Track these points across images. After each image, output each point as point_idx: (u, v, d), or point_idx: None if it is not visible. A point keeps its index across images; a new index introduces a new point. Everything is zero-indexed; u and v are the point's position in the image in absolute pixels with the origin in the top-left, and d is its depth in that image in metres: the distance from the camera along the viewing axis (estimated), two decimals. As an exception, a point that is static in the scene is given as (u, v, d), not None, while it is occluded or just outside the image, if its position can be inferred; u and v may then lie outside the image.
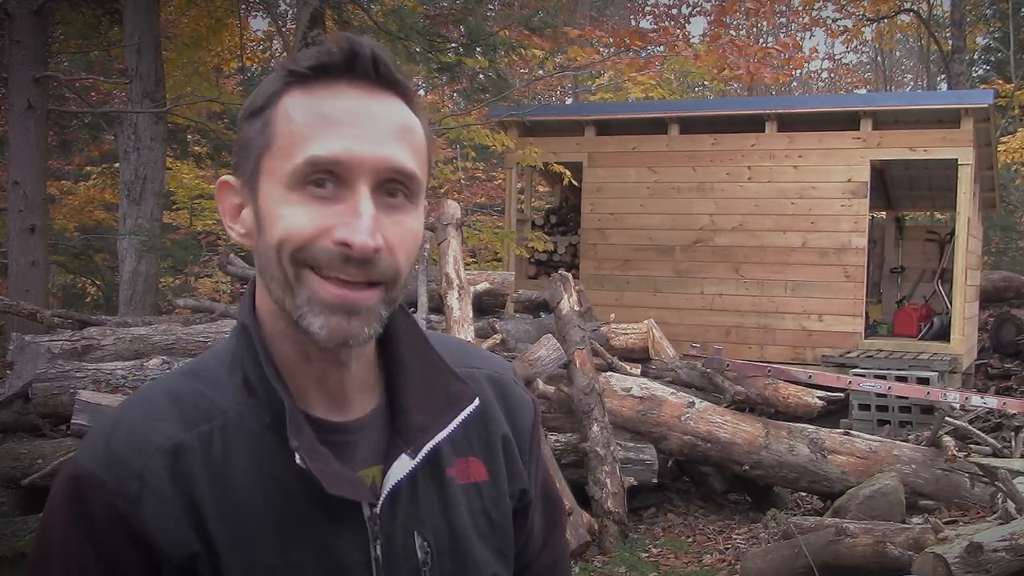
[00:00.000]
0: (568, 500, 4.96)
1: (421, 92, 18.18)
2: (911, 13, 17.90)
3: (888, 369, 8.34)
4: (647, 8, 22.62)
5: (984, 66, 19.93)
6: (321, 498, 0.88)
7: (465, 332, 5.70)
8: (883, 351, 9.08)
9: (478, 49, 9.38)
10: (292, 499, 0.89)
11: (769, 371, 7.04)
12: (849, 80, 28.30)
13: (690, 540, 5.51)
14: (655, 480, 5.78)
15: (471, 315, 5.90)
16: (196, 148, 12.44)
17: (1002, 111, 14.32)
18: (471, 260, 12.74)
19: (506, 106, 9.48)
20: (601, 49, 13.46)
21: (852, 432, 6.22)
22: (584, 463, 5.41)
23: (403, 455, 0.94)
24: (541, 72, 13.37)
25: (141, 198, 8.32)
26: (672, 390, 6.27)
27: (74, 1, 9.29)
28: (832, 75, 28.76)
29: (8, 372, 5.80)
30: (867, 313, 9.66)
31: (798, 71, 21.46)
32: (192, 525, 0.87)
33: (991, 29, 19.09)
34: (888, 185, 11.80)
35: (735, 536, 5.56)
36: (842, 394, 7.49)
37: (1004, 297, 12.67)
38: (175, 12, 11.27)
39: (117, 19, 9.38)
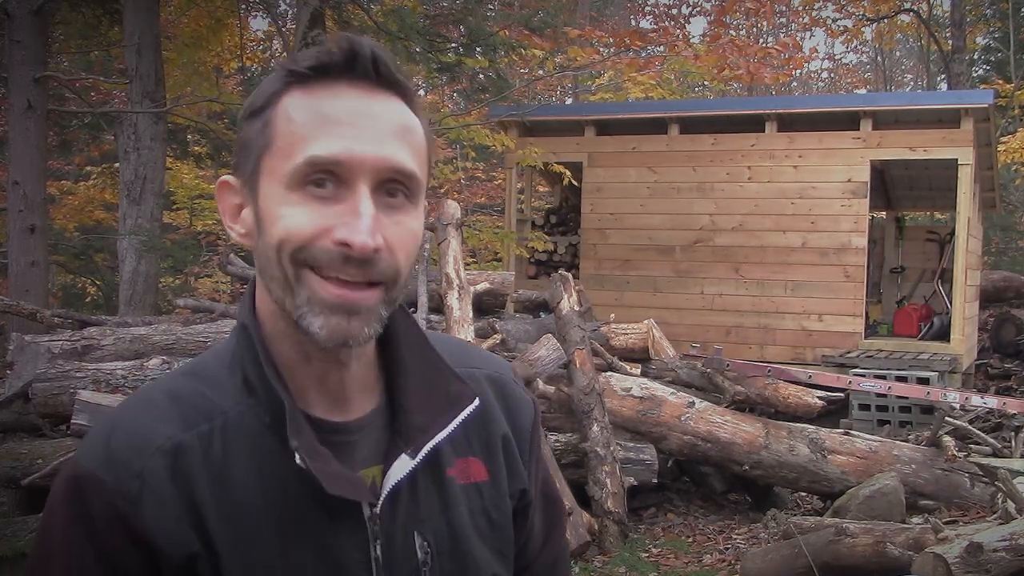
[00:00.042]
0: (568, 500, 4.96)
1: (421, 92, 18.18)
2: (911, 13, 17.90)
3: (888, 369, 8.34)
4: (647, 8, 22.63)
5: (984, 66, 19.94)
6: (321, 498, 0.88)
7: (465, 332, 5.70)
8: (883, 351, 9.08)
9: (478, 49, 9.38)
10: (292, 499, 0.89)
11: (769, 371, 7.04)
12: (849, 80, 28.31)
13: (690, 540, 5.51)
14: (655, 480, 5.78)
15: (471, 315, 5.90)
16: (196, 148, 12.44)
17: (1002, 111, 14.32)
18: (471, 260, 12.74)
19: (506, 106, 9.48)
20: (601, 49, 13.46)
21: (852, 432, 6.22)
22: (584, 463, 5.41)
23: (403, 455, 0.94)
24: (541, 72, 13.37)
25: (141, 198, 8.32)
26: (672, 390, 6.27)
27: (74, 1, 9.29)
28: (832, 75, 28.78)
29: (8, 372, 5.80)
30: (867, 313, 9.66)
31: (798, 71, 21.47)
32: (192, 525, 0.86)
33: (991, 29, 19.09)
34: (888, 185, 11.80)
35: (735, 536, 5.56)
36: (842, 394, 7.49)
37: (1004, 297, 12.67)
38: (175, 12, 11.27)
39: (117, 19, 9.38)
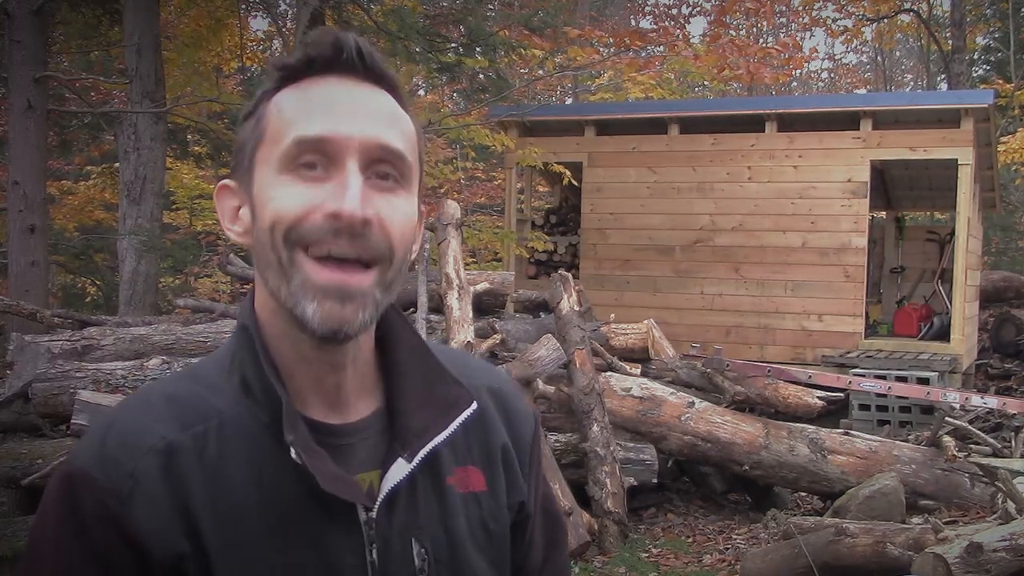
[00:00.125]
0: (568, 500, 4.96)
1: (421, 92, 18.20)
2: (911, 13, 17.90)
3: (888, 369, 8.34)
4: (647, 8, 22.63)
5: (984, 66, 19.93)
6: (317, 499, 0.88)
7: (465, 332, 5.70)
8: (883, 351, 9.08)
9: (478, 49, 9.39)
10: (288, 500, 0.89)
11: (769, 371, 7.04)
12: (849, 80, 28.31)
13: (690, 540, 5.51)
14: (655, 480, 5.78)
15: (471, 315, 5.90)
16: (196, 148, 12.44)
17: (1002, 111, 14.32)
18: (471, 260, 12.74)
19: (506, 106, 9.48)
20: (601, 49, 13.45)
21: (852, 432, 6.22)
22: (584, 463, 5.41)
23: (399, 459, 0.93)
24: (541, 72, 13.36)
25: (141, 198, 8.32)
26: (672, 390, 6.27)
27: (74, 1, 9.29)
28: (832, 75, 28.78)
29: (8, 372, 5.80)
30: (867, 313, 9.66)
31: (798, 71, 21.47)
32: (183, 526, 0.86)
33: (991, 29, 19.09)
34: (888, 185, 11.80)
35: (735, 536, 5.56)
36: (842, 394, 7.49)
37: (1004, 297, 12.67)
38: (175, 12, 11.27)
39: (117, 19, 9.38)
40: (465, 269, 6.22)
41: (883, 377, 7.80)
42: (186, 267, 10.82)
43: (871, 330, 10.16)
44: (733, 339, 9.27)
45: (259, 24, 22.78)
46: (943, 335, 9.59)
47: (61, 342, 5.75)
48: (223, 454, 0.89)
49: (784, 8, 18.46)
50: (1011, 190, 16.65)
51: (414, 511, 0.95)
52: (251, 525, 0.88)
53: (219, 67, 14.16)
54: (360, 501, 0.91)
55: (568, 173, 9.68)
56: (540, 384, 5.58)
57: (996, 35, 18.85)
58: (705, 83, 17.74)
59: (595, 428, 5.44)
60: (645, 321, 7.13)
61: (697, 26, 33.01)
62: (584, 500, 5.29)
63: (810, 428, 5.98)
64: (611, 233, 9.93)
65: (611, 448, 5.40)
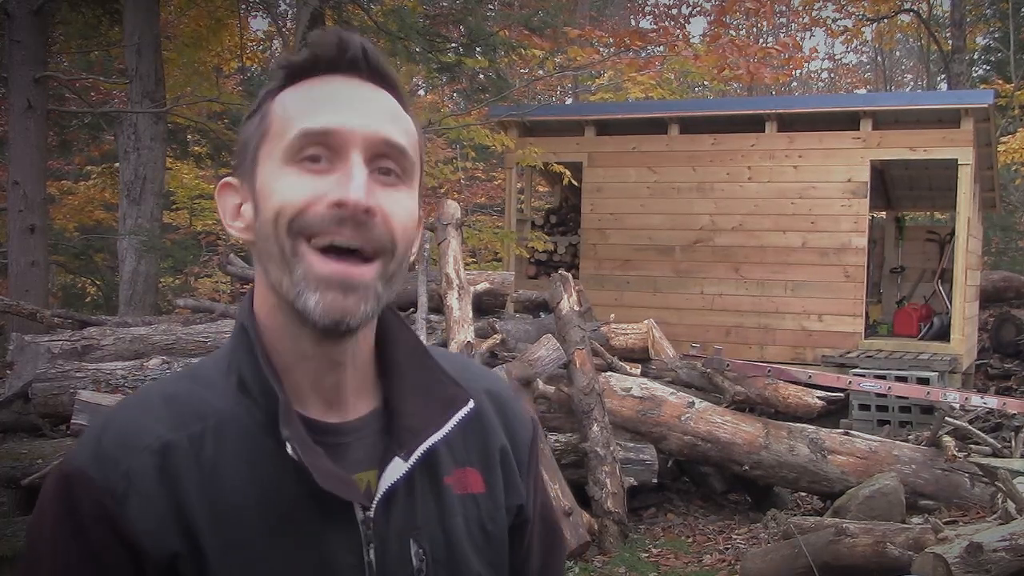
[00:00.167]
0: (568, 500, 4.96)
1: (421, 92, 18.20)
2: (911, 13, 17.90)
3: (888, 369, 8.34)
4: (647, 8, 22.63)
5: (984, 66, 19.93)
6: (315, 499, 0.88)
7: (465, 332, 5.70)
8: (883, 351, 9.08)
9: (478, 49, 9.39)
10: (286, 499, 0.89)
11: (769, 371, 7.04)
12: (849, 80, 28.30)
13: (690, 540, 5.51)
14: (655, 480, 5.78)
15: (471, 315, 5.90)
16: (196, 148, 12.44)
17: (1002, 111, 14.32)
18: (471, 260, 12.74)
19: (506, 106, 9.48)
20: (601, 49, 13.45)
21: (852, 432, 6.22)
22: (584, 463, 5.41)
23: (396, 458, 0.93)
24: (541, 72, 13.37)
25: (141, 198, 8.32)
26: (672, 390, 6.27)
27: (74, 1, 9.29)
28: (832, 75, 28.78)
29: (8, 372, 5.80)
30: (867, 313, 9.66)
31: (798, 71, 21.47)
32: (177, 525, 0.86)
33: (991, 29, 19.09)
34: (888, 185, 11.80)
35: (735, 536, 5.56)
36: (842, 394, 7.49)
37: (1004, 297, 12.67)
38: (175, 12, 11.27)
39: (117, 19, 9.38)
40: (465, 269, 6.22)
41: (883, 377, 7.80)
42: (186, 267, 10.83)
43: (871, 330, 10.16)
44: (733, 339, 9.27)
45: (259, 24, 22.79)
46: (943, 335, 9.59)
47: (61, 342, 5.75)
48: (220, 453, 0.89)
49: (784, 8, 18.46)
50: (1011, 190, 16.65)
51: (412, 511, 0.95)
52: (248, 524, 0.88)
53: (219, 67, 14.16)
54: (357, 500, 0.90)
55: (568, 173, 9.68)
56: (540, 384, 5.58)
57: (996, 35, 18.85)
58: (705, 83, 17.75)
59: (595, 428, 5.44)
60: (645, 321, 7.13)
61: (697, 26, 33.05)
62: (584, 500, 5.29)
63: (810, 428, 5.98)
64: (611, 233, 9.93)
65: (611, 448, 5.40)
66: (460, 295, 5.90)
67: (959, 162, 8.89)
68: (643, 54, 12.02)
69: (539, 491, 1.10)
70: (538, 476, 1.10)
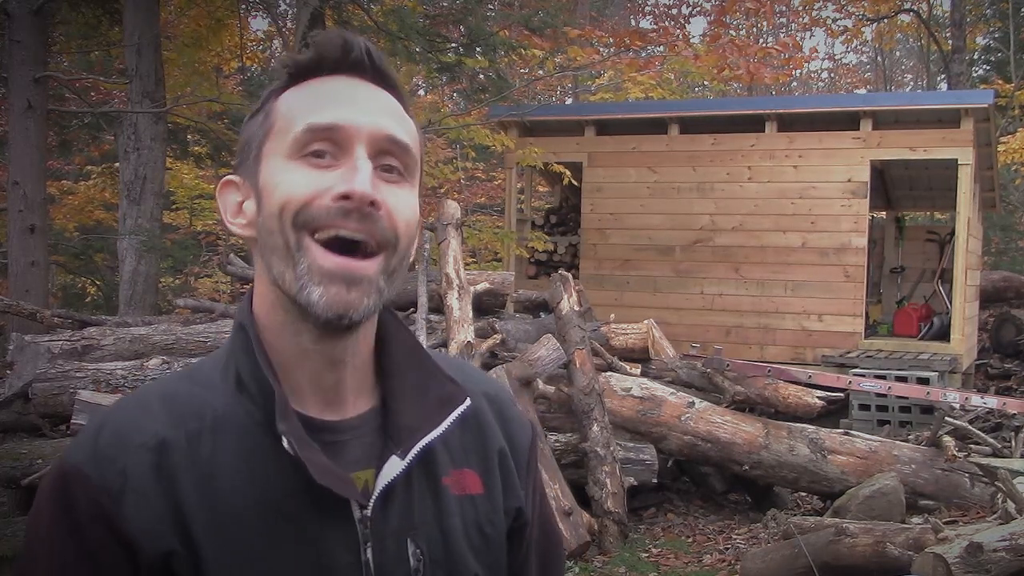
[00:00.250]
0: (568, 500, 4.96)
1: (421, 92, 18.20)
2: (911, 13, 17.90)
3: (888, 369, 8.34)
4: (647, 8, 22.63)
5: (984, 66, 19.93)
6: (312, 497, 0.88)
7: (465, 332, 5.70)
8: (883, 351, 9.08)
9: (478, 49, 9.39)
10: (282, 497, 0.89)
11: (769, 371, 7.04)
12: (849, 80, 28.30)
13: (690, 540, 5.51)
14: (655, 480, 5.78)
15: (471, 315, 5.90)
16: (196, 148, 12.43)
17: (1002, 111, 14.32)
18: (471, 260, 12.75)
19: (506, 106, 9.48)
20: (601, 49, 13.46)
21: (852, 432, 6.22)
22: (584, 463, 5.41)
23: (393, 456, 0.93)
24: (541, 72, 13.36)
25: (141, 198, 8.32)
26: (672, 390, 6.27)
27: (74, 1, 9.29)
28: (832, 75, 28.77)
29: (8, 372, 5.79)
30: (867, 313, 9.66)
31: (798, 71, 21.47)
32: (172, 523, 0.86)
33: (991, 29, 19.09)
34: (888, 185, 11.80)
35: (735, 536, 5.56)
36: (842, 394, 7.49)
37: (1004, 297, 12.67)
38: (175, 12, 11.27)
39: (117, 19, 9.37)
40: (465, 269, 6.22)
41: (883, 377, 7.80)
42: (186, 267, 10.84)
43: (871, 330, 10.16)
44: (733, 339, 9.27)
45: (259, 24, 22.80)
46: (943, 335, 9.59)
47: (61, 342, 5.75)
48: (217, 452, 0.89)
49: (784, 8, 18.45)
50: (1011, 190, 16.65)
51: (410, 511, 0.95)
52: (245, 522, 0.88)
53: (219, 67, 14.15)
54: (354, 497, 0.90)
55: (568, 173, 9.68)
56: (540, 384, 5.58)
57: (996, 35, 18.85)
58: (705, 83, 17.74)
59: (595, 428, 5.44)
60: (645, 321, 7.13)
61: (697, 26, 33.06)
62: (584, 500, 5.29)
63: (810, 428, 5.98)
64: (611, 233, 9.93)
65: (611, 448, 5.40)
66: (460, 295, 5.90)
67: (959, 162, 8.89)
68: (643, 54, 12.02)
69: (538, 496, 1.10)
70: (537, 481, 1.10)
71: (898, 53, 27.68)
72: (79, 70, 11.69)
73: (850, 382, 7.39)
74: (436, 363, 1.01)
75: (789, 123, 9.58)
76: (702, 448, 5.89)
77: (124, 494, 0.86)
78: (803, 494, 6.33)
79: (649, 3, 22.61)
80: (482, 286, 6.57)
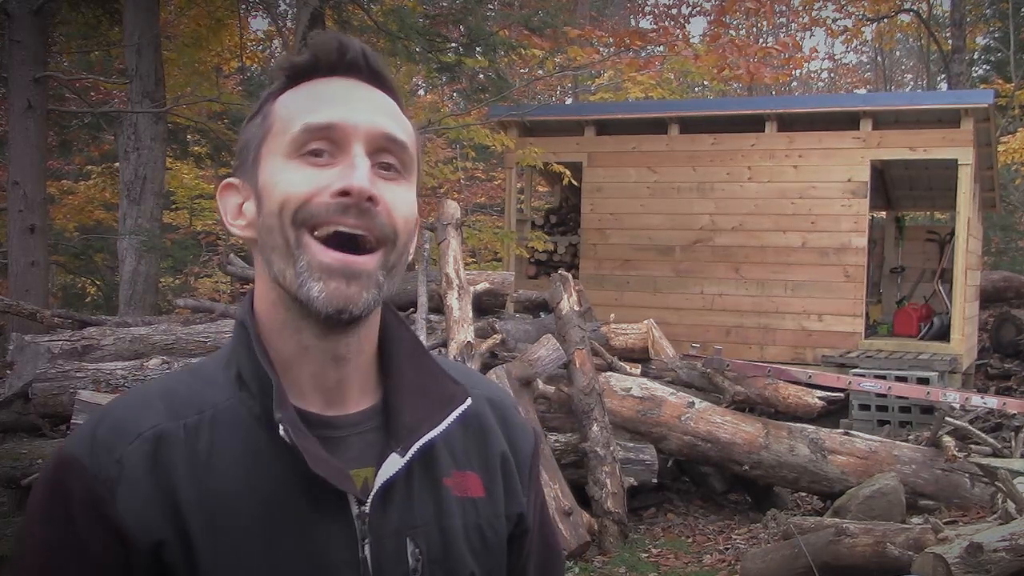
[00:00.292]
0: (568, 500, 4.96)
1: (421, 92, 18.19)
2: (911, 13, 17.91)
3: (888, 369, 8.34)
4: (647, 8, 22.61)
5: (984, 66, 19.93)
6: (309, 492, 0.88)
7: (465, 332, 5.70)
8: (883, 351, 9.08)
9: (478, 49, 9.39)
10: (279, 490, 0.89)
11: (769, 371, 7.04)
12: (849, 80, 28.29)
13: (690, 540, 5.51)
14: (655, 480, 5.78)
15: (471, 315, 5.90)
16: (196, 148, 12.43)
17: (1002, 111, 14.32)
18: (471, 260, 12.75)
19: (506, 106, 9.48)
20: (601, 49, 13.46)
21: (852, 432, 6.22)
22: (584, 463, 5.41)
23: (393, 454, 0.93)
24: (541, 72, 13.36)
25: (141, 198, 8.32)
26: (672, 390, 6.28)
27: (74, 1, 9.28)
28: (832, 75, 28.76)
29: (8, 372, 5.79)
30: (867, 313, 9.66)
31: (798, 71, 21.47)
32: (165, 514, 0.86)
33: (991, 29, 19.09)
34: (888, 185, 11.80)
35: (735, 536, 5.56)
36: (842, 394, 7.49)
37: (1004, 297, 12.67)
38: (175, 12, 11.27)
39: (117, 19, 9.37)
40: (465, 269, 6.22)
41: (883, 377, 7.80)
42: (186, 267, 10.84)
43: (871, 330, 10.16)
44: (733, 339, 9.27)
45: (259, 24, 22.82)
46: (943, 335, 9.59)
47: (61, 342, 5.75)
48: (215, 445, 0.90)
49: (784, 8, 18.45)
50: (1011, 190, 16.65)
51: (409, 510, 0.95)
52: (241, 515, 0.88)
53: (219, 67, 14.15)
54: (350, 490, 0.90)
55: (568, 173, 9.68)
56: (540, 384, 5.58)
57: (996, 35, 18.85)
58: (705, 83, 17.73)
59: (595, 428, 5.44)
60: (645, 321, 7.13)
61: (697, 26, 33.07)
62: (584, 500, 5.29)
63: (810, 428, 5.98)
64: (611, 233, 9.93)
65: (611, 448, 5.40)
66: (460, 295, 5.90)
67: (959, 162, 8.89)
68: (643, 54, 12.03)
69: (539, 503, 1.09)
70: (539, 489, 1.10)
71: (898, 53, 27.68)
72: (79, 70, 11.68)
73: (850, 382, 7.39)
74: (437, 362, 1.02)
75: (789, 123, 9.58)
76: (702, 448, 5.89)
77: (119, 483, 0.86)
78: (803, 494, 6.33)
79: (649, 3, 22.61)
80: (482, 286, 6.57)
